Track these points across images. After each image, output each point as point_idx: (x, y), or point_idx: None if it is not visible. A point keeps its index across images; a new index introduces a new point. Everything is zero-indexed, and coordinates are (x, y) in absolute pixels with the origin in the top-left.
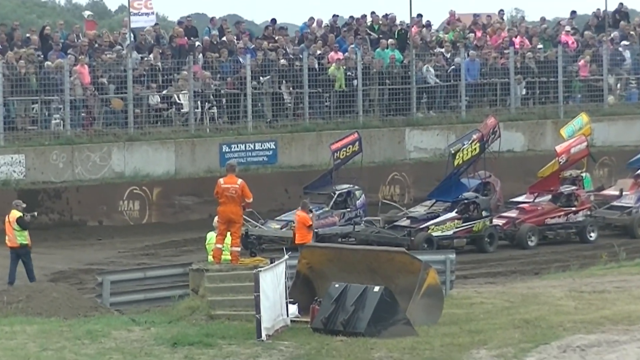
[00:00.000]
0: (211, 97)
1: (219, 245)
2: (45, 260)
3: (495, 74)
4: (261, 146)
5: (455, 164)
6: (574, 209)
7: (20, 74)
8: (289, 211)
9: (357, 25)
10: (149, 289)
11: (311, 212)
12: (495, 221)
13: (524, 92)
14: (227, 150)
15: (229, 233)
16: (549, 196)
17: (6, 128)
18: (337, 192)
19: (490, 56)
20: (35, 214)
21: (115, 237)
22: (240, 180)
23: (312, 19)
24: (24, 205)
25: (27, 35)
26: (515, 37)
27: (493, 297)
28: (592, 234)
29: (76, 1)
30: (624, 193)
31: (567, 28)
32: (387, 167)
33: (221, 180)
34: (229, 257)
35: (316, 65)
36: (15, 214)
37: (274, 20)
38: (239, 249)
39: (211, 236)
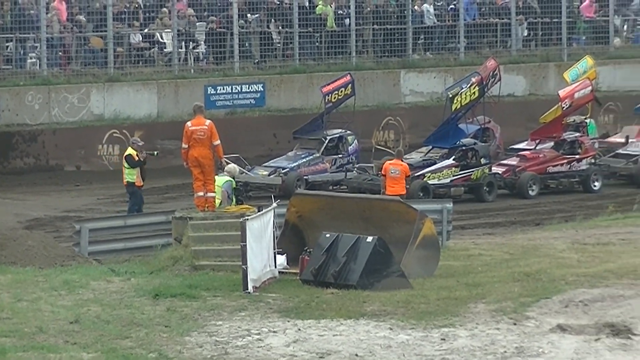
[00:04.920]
0: (196, 36)
1: (200, 193)
2: (20, 206)
3: (495, 14)
4: (248, 88)
5: (453, 108)
6: (577, 156)
7: None
8: (278, 157)
9: None
10: (130, 238)
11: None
12: (495, 169)
13: (525, 33)
14: (212, 92)
15: None
16: (552, 143)
17: None
18: (329, 138)
19: None
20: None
21: (94, 183)
22: (208, 121)
23: None
24: (141, 143)
25: None
26: None
27: (492, 248)
28: (596, 183)
29: None
30: (630, 140)
31: None
32: (381, 112)
33: (189, 123)
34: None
35: (307, 3)
36: (128, 151)
37: None
38: (214, 194)
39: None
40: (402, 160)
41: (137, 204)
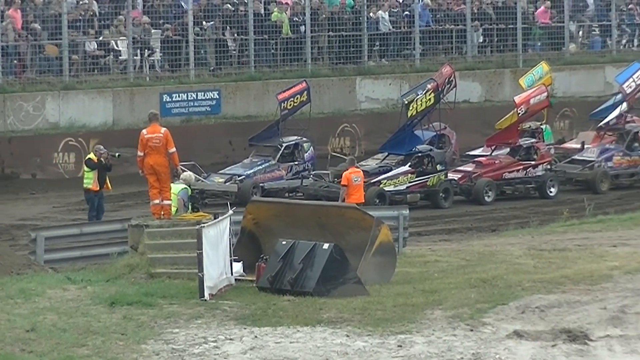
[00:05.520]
0: (151, 43)
1: (156, 201)
2: None
3: (450, 20)
4: (204, 95)
5: (409, 115)
6: (533, 162)
7: None
8: (233, 164)
9: None
10: (86, 246)
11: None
12: (451, 175)
13: (481, 39)
14: (167, 100)
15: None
16: (507, 149)
17: None
18: (284, 145)
19: (445, 1)
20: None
21: (50, 191)
22: (164, 129)
23: None
24: (103, 151)
25: None
26: None
27: (448, 255)
28: (552, 189)
29: None
30: (585, 146)
31: None
32: (337, 118)
33: (144, 130)
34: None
35: (262, 10)
36: (88, 155)
37: None
38: (170, 202)
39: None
40: (357, 167)
41: (94, 210)
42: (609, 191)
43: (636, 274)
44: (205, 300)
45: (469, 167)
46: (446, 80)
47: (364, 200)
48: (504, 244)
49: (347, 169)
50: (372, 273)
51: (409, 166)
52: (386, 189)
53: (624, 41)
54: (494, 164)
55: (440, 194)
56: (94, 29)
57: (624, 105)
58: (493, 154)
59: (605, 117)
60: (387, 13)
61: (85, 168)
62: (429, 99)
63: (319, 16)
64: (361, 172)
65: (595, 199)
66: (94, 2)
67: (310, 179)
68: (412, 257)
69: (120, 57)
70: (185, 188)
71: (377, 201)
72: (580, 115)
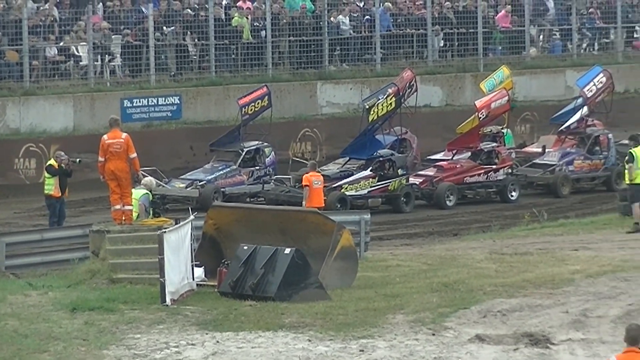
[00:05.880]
0: (111, 49)
1: (117, 207)
2: None
3: (411, 25)
4: (165, 101)
5: (370, 119)
6: (494, 166)
7: None
8: (195, 169)
9: None
10: (47, 252)
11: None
12: (412, 180)
13: (441, 44)
14: (128, 105)
15: None
16: (469, 153)
17: None
18: (245, 150)
19: (405, 5)
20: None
21: (10, 197)
22: (124, 135)
23: None
24: (64, 157)
25: None
26: None
27: (410, 259)
28: (513, 193)
29: None
30: (546, 150)
31: None
32: (298, 123)
33: (105, 136)
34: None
35: (223, 15)
36: (49, 162)
37: None
38: (131, 207)
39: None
40: (318, 172)
41: (55, 216)
42: (570, 195)
43: (597, 278)
44: (167, 305)
45: (430, 172)
46: (407, 85)
47: (324, 205)
48: (465, 248)
49: (308, 172)
50: (333, 278)
51: (370, 171)
52: (347, 193)
53: (584, 45)
54: (455, 168)
55: (402, 199)
56: (54, 34)
57: (585, 109)
58: (454, 158)
59: (566, 121)
60: (347, 18)
61: (46, 174)
62: (390, 103)
63: (280, 21)
64: (321, 176)
65: (555, 202)
66: (54, 7)
67: (271, 183)
68: (373, 262)
69: (80, 63)
70: (147, 193)
71: (339, 206)
72: (541, 119)
